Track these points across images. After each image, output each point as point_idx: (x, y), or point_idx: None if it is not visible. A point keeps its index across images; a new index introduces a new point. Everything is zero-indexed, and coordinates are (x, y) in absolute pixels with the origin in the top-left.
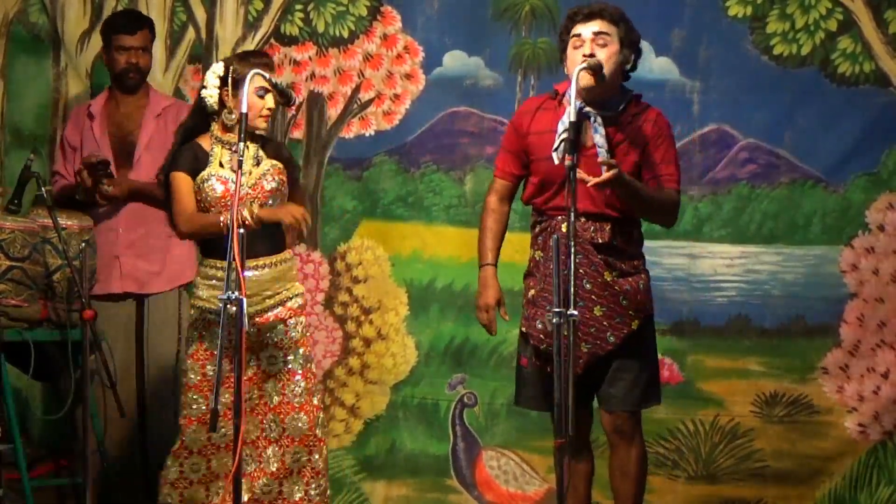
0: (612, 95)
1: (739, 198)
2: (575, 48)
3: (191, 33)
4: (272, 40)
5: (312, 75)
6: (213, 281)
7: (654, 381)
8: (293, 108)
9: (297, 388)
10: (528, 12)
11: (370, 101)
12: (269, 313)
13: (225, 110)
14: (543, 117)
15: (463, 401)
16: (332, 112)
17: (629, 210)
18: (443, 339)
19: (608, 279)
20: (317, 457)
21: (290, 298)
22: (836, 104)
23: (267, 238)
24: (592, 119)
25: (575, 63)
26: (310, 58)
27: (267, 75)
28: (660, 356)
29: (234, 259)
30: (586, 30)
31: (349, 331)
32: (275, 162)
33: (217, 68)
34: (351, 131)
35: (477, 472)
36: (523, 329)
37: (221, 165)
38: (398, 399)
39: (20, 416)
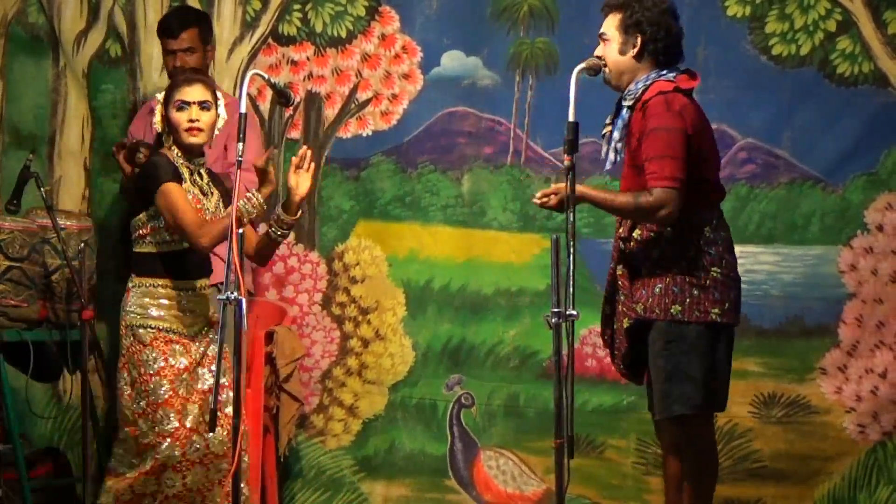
0: (633, 83)
1: (738, 198)
2: None
3: None
4: (270, 40)
5: (310, 75)
6: (164, 301)
7: (681, 388)
8: (291, 108)
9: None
10: (527, 12)
11: (368, 101)
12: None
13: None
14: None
15: (460, 401)
16: (330, 112)
17: None
18: (440, 339)
19: (618, 272)
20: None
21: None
22: (835, 104)
23: (208, 262)
24: (621, 113)
25: None
26: (307, 58)
27: (267, 75)
28: None
29: (234, 260)
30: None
31: (347, 331)
32: (218, 193)
33: (160, 94)
34: (348, 131)
35: (475, 473)
36: None
37: (191, 186)
38: (396, 399)
39: (19, 417)
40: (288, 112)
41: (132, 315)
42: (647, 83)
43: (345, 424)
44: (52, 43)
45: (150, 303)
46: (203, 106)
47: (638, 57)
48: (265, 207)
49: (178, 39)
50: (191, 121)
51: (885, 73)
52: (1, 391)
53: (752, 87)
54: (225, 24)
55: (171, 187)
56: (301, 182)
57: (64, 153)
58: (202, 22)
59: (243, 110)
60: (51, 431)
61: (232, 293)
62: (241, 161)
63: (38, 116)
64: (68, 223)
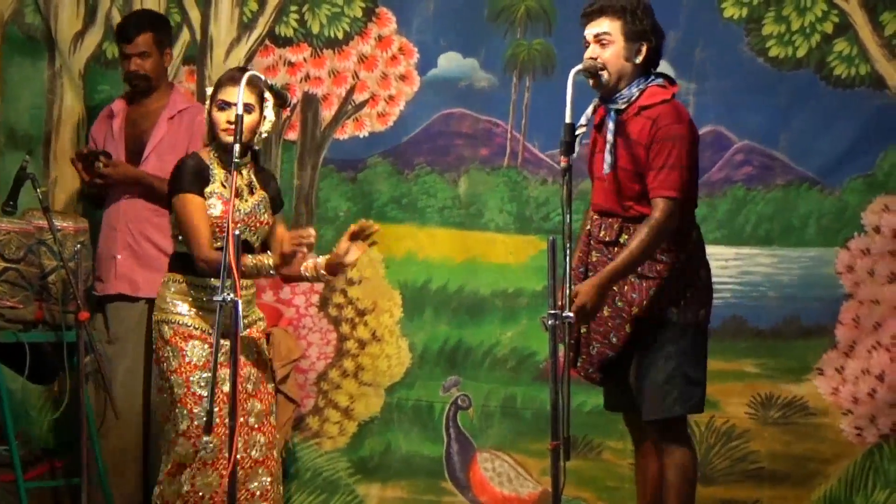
0: (626, 87)
1: (735, 200)
2: (585, 49)
3: (185, 34)
4: (267, 41)
5: (307, 76)
6: (190, 298)
7: (681, 389)
8: (288, 109)
9: (257, 406)
10: (524, 14)
11: (364, 103)
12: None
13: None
14: None
15: (457, 403)
16: (327, 113)
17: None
18: (437, 340)
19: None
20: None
21: (256, 322)
22: (832, 106)
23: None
24: (609, 115)
25: None
26: (304, 59)
27: (263, 77)
28: None
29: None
30: (589, 32)
31: (343, 332)
32: (265, 194)
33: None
34: (345, 133)
35: (471, 474)
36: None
37: (223, 185)
38: (392, 401)
39: (15, 418)
40: (285, 113)
41: (159, 310)
42: (642, 87)
43: (340, 426)
44: (48, 44)
45: (177, 298)
46: (245, 108)
47: (644, 65)
48: (269, 275)
49: (133, 44)
50: (229, 122)
51: (881, 75)
52: None
53: (749, 89)
54: (222, 26)
55: (185, 199)
56: (352, 251)
57: (59, 154)
58: (158, 26)
59: (240, 111)
60: (47, 433)
61: (228, 295)
62: (238, 162)
63: (34, 117)
64: (64, 224)
